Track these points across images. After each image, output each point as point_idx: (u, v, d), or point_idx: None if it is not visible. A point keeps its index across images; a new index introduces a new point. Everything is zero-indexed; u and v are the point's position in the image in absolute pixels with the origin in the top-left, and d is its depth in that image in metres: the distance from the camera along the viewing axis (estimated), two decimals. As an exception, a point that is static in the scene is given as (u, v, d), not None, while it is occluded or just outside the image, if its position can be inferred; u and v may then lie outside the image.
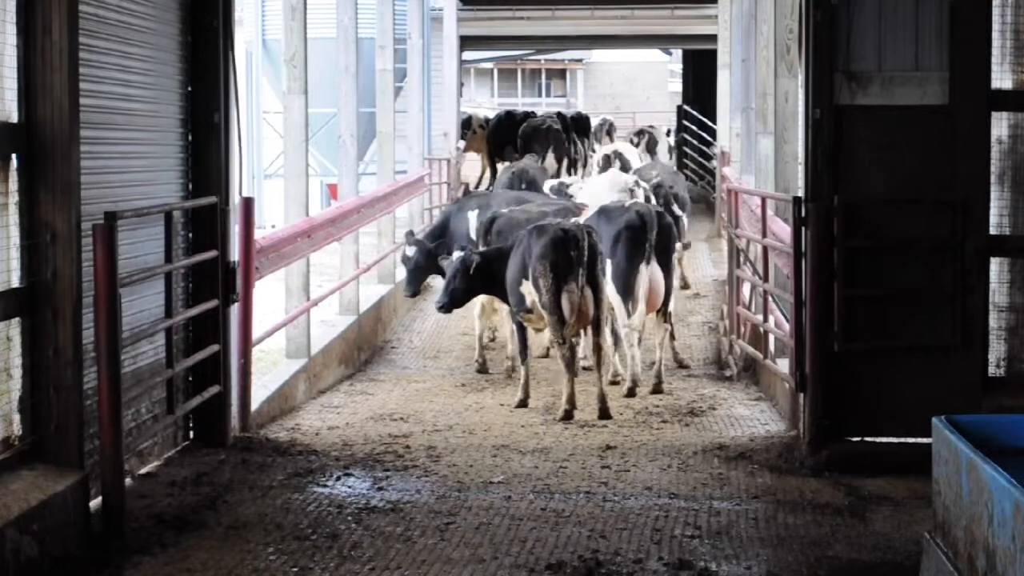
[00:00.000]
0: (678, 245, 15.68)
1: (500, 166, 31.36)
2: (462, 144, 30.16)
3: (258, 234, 11.01)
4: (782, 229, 11.45)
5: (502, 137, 31.36)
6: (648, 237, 12.80)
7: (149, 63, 8.71)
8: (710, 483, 8.86)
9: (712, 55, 26.21)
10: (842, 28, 9.05)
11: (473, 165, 34.07)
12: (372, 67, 20.30)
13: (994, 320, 9.17)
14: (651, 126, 34.90)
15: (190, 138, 9.39)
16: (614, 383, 12.94)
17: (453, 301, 12.99)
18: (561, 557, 7.16)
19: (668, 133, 32.54)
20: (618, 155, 22.91)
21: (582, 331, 12.15)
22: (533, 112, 33.85)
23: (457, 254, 12.92)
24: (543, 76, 63.28)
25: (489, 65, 59.42)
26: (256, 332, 10.78)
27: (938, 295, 9.06)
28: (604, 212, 13.35)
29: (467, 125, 32.51)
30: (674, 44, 40.78)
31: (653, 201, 15.69)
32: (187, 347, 9.32)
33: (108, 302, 7.36)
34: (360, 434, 10.65)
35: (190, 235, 9.35)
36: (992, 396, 8.95)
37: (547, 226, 12.12)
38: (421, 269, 15.08)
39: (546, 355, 14.21)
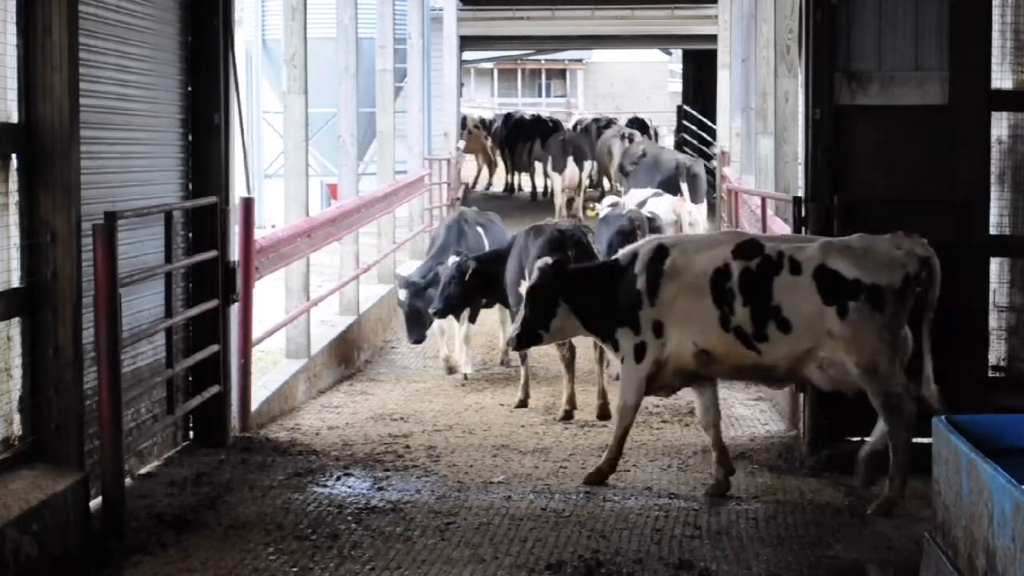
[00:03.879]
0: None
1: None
2: (462, 144, 30.24)
3: (258, 234, 11.01)
4: (782, 229, 11.46)
5: (513, 136, 32.20)
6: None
7: (149, 63, 8.70)
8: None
9: (712, 55, 26.24)
10: (842, 28, 9.06)
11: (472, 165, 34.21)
12: (372, 67, 20.31)
13: (994, 320, 9.17)
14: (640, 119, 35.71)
15: (190, 138, 9.39)
16: None
17: (448, 307, 12.96)
18: (561, 557, 7.16)
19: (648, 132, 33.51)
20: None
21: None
22: (537, 115, 34.54)
23: (452, 259, 12.88)
24: (543, 76, 63.25)
25: (489, 65, 59.40)
26: (256, 332, 10.77)
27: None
28: (605, 219, 13.65)
29: (462, 125, 32.79)
30: (674, 44, 40.79)
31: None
32: (187, 347, 9.32)
33: (108, 302, 7.36)
34: (360, 434, 10.65)
35: (190, 235, 9.35)
36: (992, 396, 8.94)
37: (544, 226, 12.13)
38: (420, 312, 13.77)
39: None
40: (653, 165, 21.63)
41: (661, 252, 8.61)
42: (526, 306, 9.00)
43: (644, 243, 8.90)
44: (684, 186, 20.28)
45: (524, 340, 9.16)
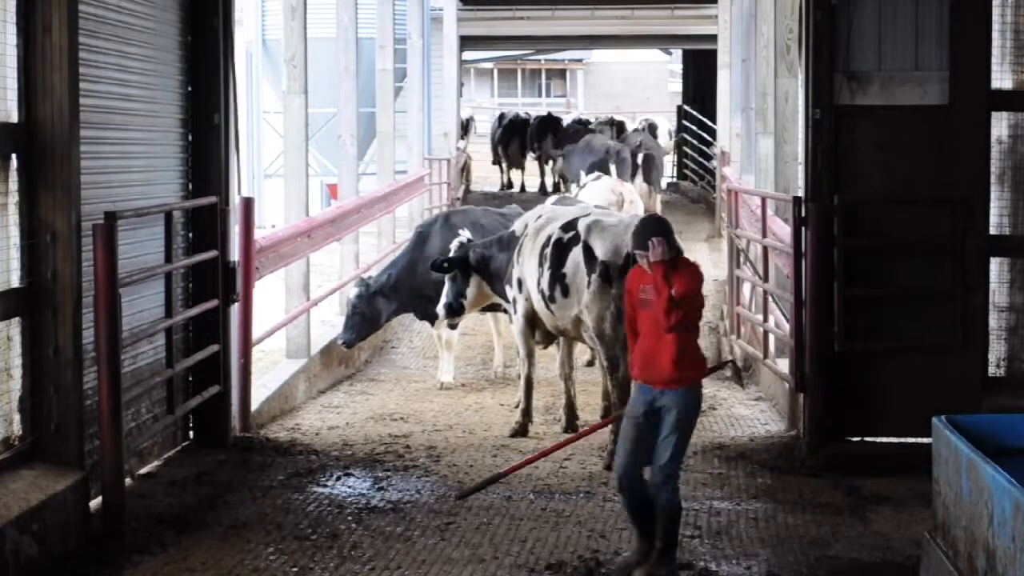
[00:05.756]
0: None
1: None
2: (463, 144, 30.26)
3: (258, 234, 11.01)
4: (782, 229, 11.45)
5: (507, 136, 32.51)
6: None
7: (149, 63, 8.71)
8: (710, 483, 8.86)
9: (712, 55, 26.21)
10: (842, 28, 9.06)
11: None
12: (372, 67, 20.30)
13: (994, 320, 9.17)
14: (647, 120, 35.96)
15: (190, 138, 9.39)
16: None
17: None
18: (561, 557, 7.16)
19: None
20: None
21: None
22: (528, 114, 34.63)
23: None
24: (543, 76, 63.26)
25: (489, 65, 59.40)
26: (256, 332, 10.77)
27: (938, 295, 9.06)
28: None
29: None
30: (674, 44, 40.76)
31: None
32: (187, 347, 9.32)
33: (108, 302, 7.36)
34: (360, 434, 10.65)
35: (190, 235, 9.35)
36: (992, 396, 8.95)
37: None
38: (362, 316, 12.92)
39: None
40: (585, 148, 23.91)
41: (533, 219, 10.31)
42: (447, 280, 11.01)
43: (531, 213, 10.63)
44: (613, 168, 22.24)
45: (451, 310, 11.23)
